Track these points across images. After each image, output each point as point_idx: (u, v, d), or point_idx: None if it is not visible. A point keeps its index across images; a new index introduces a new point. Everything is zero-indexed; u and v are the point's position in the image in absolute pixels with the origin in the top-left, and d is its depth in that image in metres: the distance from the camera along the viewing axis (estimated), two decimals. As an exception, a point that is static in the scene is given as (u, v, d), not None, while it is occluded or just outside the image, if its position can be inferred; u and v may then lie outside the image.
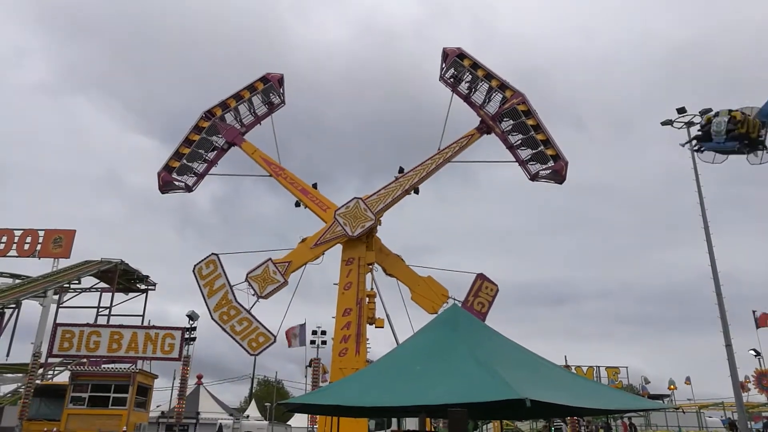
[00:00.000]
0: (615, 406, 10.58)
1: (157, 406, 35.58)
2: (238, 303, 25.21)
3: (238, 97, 28.91)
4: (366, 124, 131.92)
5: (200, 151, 28.40)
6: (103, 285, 35.14)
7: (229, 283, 25.53)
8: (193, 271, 25.41)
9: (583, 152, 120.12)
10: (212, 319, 24.93)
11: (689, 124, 22.83)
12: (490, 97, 27.94)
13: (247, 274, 25.53)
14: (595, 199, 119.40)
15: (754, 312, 33.60)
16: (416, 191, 28.08)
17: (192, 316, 28.07)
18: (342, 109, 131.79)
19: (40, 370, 28.31)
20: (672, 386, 38.05)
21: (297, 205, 28.42)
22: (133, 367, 25.50)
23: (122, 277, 34.55)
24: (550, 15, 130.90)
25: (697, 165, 22.20)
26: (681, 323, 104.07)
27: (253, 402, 53.04)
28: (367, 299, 26.90)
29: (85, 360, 26.64)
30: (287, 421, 47.51)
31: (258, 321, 25.03)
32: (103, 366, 26.02)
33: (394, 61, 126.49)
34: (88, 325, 27.64)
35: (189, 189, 28.53)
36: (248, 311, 25.20)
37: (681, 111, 22.94)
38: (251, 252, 28.84)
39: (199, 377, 40.54)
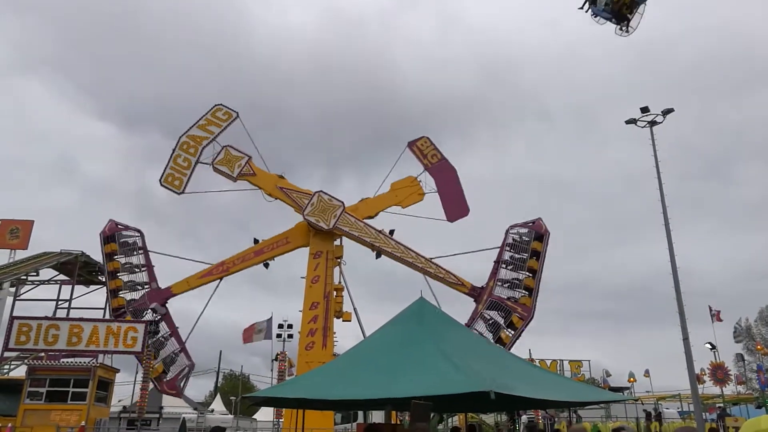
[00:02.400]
0: (578, 398, 10.79)
1: (119, 401, 34.85)
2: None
3: (113, 273, 28.05)
4: (330, 113, 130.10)
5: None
6: (62, 277, 34.17)
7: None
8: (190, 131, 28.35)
9: (548, 145, 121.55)
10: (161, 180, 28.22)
11: (652, 123, 23.40)
12: (512, 287, 26.93)
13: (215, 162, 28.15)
14: (558, 192, 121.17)
15: (710, 308, 34.65)
16: (378, 255, 28.01)
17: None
18: (305, 97, 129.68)
19: (-5, 365, 27.47)
20: (632, 379, 39.00)
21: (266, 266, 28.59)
22: (94, 361, 24.90)
23: (83, 269, 33.61)
24: (516, 5, 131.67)
25: (659, 163, 22.78)
26: (641, 318, 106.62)
27: (218, 396, 52.43)
28: (335, 293, 26.88)
29: (43, 354, 25.88)
30: (253, 415, 47.13)
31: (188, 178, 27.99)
32: (62, 360, 25.31)
33: (359, 48, 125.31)
34: (46, 318, 26.81)
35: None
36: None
37: (644, 110, 23.48)
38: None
39: (163, 371, 39.80)
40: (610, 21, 17.39)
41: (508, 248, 27.40)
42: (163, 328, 27.30)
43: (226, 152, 28.02)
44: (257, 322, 34.32)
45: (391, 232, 28.30)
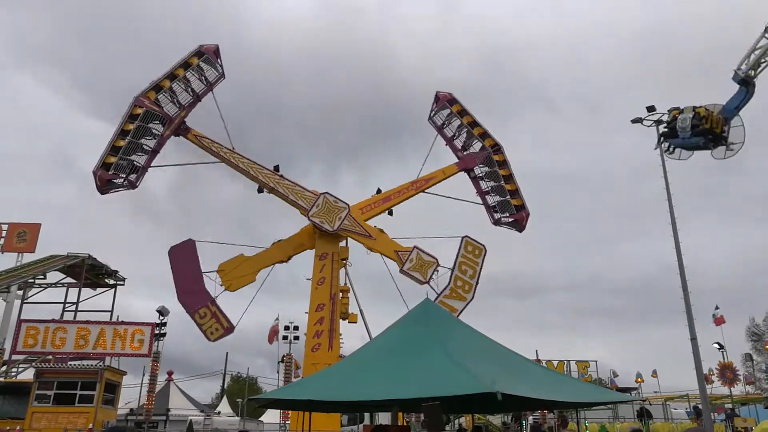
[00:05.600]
0: (585, 399, 10.73)
1: (126, 404, 34.96)
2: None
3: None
4: (328, 104, 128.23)
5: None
6: (69, 280, 34.32)
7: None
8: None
9: (553, 136, 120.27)
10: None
11: (658, 122, 23.22)
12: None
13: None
14: (563, 187, 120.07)
15: (717, 308, 34.29)
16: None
17: (162, 312, 27.57)
18: (302, 87, 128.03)
19: (4, 368, 27.55)
20: (639, 379, 38.85)
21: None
22: (101, 363, 24.99)
23: (90, 272, 33.77)
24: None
25: (665, 161, 22.60)
26: (647, 316, 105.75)
27: (224, 398, 52.57)
28: (341, 294, 26.88)
29: (50, 357, 25.99)
30: (259, 417, 47.20)
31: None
32: (69, 363, 25.41)
33: (357, 37, 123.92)
34: (53, 321, 26.92)
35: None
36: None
37: (650, 109, 23.28)
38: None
39: (170, 373, 39.93)
40: (701, 146, 17.65)
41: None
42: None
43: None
44: (276, 324, 34.58)
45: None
